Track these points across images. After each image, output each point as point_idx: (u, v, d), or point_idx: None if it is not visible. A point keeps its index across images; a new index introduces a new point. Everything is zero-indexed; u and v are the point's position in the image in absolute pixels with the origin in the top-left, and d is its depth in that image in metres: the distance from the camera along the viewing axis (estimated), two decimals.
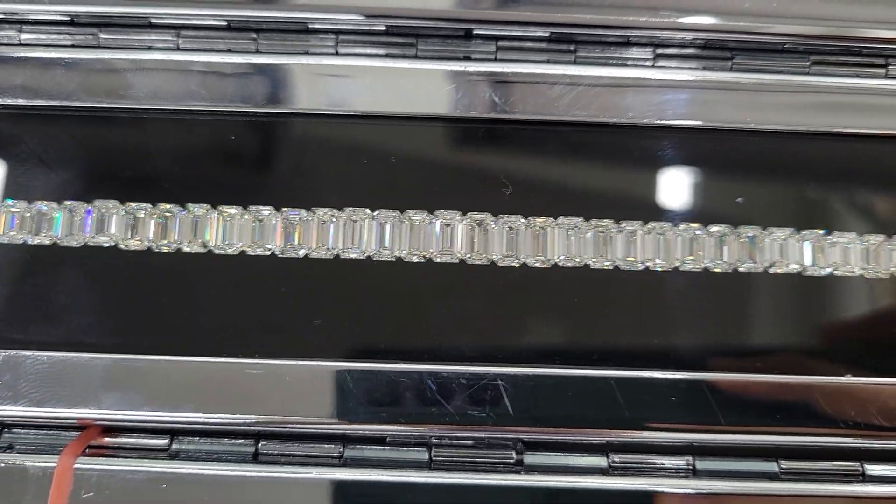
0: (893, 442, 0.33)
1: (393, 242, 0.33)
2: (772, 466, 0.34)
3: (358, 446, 0.34)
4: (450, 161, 0.35)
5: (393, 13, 0.35)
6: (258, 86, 0.35)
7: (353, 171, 0.34)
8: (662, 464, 0.34)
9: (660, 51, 0.36)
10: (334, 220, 0.34)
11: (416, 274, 0.33)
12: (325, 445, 0.33)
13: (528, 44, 0.36)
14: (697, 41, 0.35)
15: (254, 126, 0.35)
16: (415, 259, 0.33)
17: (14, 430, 0.33)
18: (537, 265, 0.34)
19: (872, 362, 0.33)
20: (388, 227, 0.34)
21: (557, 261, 0.34)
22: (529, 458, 0.33)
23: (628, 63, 0.36)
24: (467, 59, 0.35)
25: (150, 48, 0.35)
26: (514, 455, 0.34)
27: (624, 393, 0.33)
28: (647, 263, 0.34)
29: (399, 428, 0.33)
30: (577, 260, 0.34)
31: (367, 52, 0.35)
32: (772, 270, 0.34)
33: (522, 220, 0.34)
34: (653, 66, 0.36)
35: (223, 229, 0.33)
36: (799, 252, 0.34)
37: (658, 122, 0.35)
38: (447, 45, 0.35)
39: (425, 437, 0.34)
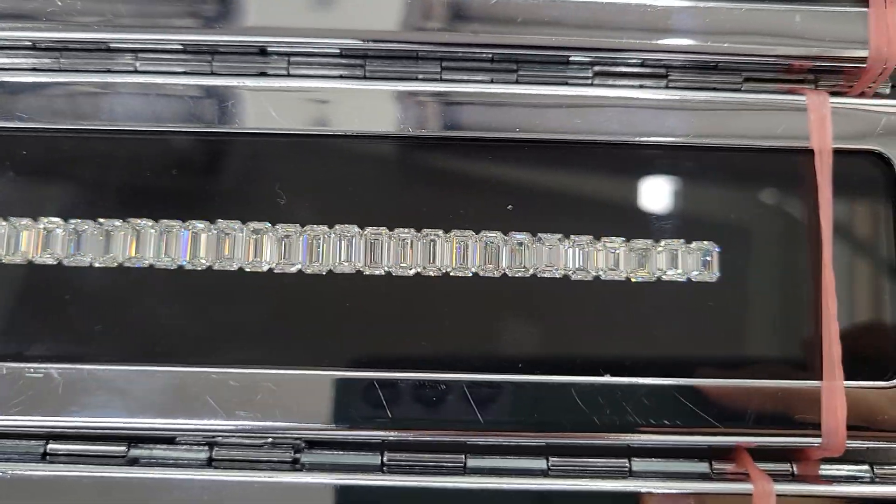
0: (657, 437, 0.35)
1: (176, 251, 0.35)
2: (541, 464, 0.35)
3: (145, 445, 0.35)
4: (229, 172, 0.36)
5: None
6: None
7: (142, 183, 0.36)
8: (437, 461, 0.35)
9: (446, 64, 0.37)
10: (120, 230, 0.35)
11: (197, 281, 0.35)
12: (112, 447, 0.35)
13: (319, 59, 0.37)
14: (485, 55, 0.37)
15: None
16: (195, 267, 0.35)
17: None
18: (314, 271, 0.35)
19: (631, 363, 0.35)
20: (173, 237, 0.35)
21: (333, 267, 0.35)
22: (307, 457, 0.35)
23: (418, 77, 0.37)
24: (263, 74, 0.37)
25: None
26: (293, 453, 0.35)
27: (387, 394, 0.34)
28: (418, 269, 0.35)
29: (184, 428, 0.35)
30: (350, 266, 0.35)
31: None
32: (539, 275, 0.35)
33: (298, 228, 0.35)
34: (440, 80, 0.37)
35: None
36: (566, 257, 0.35)
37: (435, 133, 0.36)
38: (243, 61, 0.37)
39: (212, 436, 0.35)
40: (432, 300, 0.35)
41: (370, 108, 0.36)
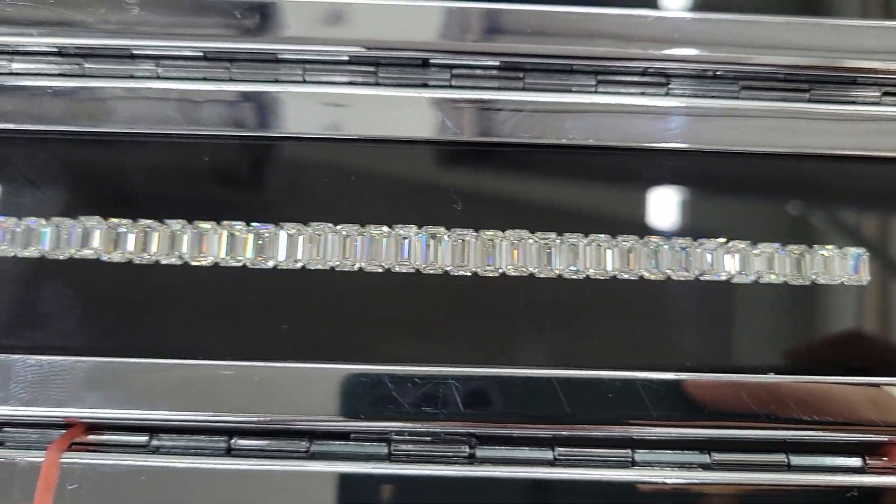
0: (815, 433, 0.36)
1: (353, 254, 0.37)
2: (704, 458, 0.37)
3: (325, 441, 0.36)
4: (407, 179, 0.38)
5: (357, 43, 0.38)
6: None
7: (320, 189, 0.37)
8: (603, 455, 0.37)
9: (601, 77, 0.39)
10: (301, 234, 0.37)
11: (375, 283, 0.36)
12: (294, 441, 0.36)
13: (479, 72, 0.39)
14: (636, 69, 0.39)
15: (226, 148, 0.38)
16: (374, 269, 0.36)
17: (5, 429, 0.36)
18: (487, 274, 0.37)
19: (794, 362, 0.37)
20: (350, 240, 0.37)
21: (505, 270, 0.37)
22: (481, 452, 0.36)
23: (572, 89, 0.39)
24: (424, 86, 0.39)
25: (131, 77, 0.38)
26: (468, 449, 0.36)
27: (565, 391, 0.35)
28: (588, 272, 0.37)
29: (361, 424, 0.36)
30: (524, 269, 0.37)
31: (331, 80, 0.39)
32: (702, 278, 0.37)
33: (473, 232, 0.37)
34: (595, 92, 0.39)
35: (196, 243, 0.36)
36: (725, 261, 0.37)
37: (598, 142, 0.38)
38: (406, 73, 0.39)
39: (386, 432, 0.36)
40: (595, 301, 0.37)
41: (532, 118, 0.38)
